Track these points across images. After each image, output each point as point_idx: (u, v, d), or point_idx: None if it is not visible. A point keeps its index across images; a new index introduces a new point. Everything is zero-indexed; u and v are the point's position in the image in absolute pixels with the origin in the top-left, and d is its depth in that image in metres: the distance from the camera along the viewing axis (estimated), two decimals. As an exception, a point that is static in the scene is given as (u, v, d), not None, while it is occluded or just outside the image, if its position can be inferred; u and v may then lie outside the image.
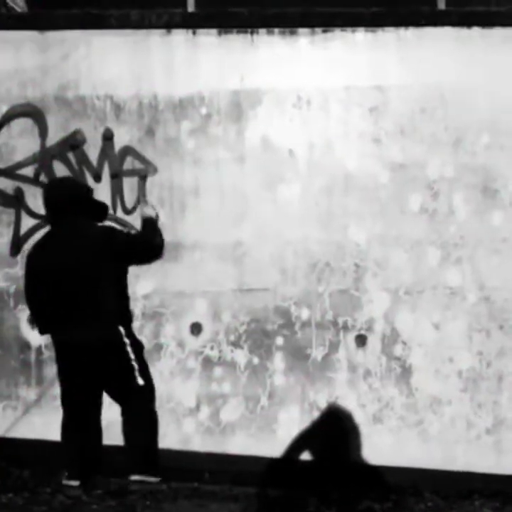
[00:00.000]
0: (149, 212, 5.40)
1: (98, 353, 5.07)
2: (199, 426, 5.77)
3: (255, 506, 5.34)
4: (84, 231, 5.14)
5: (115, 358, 5.09)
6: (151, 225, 5.36)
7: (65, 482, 5.24)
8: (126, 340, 5.10)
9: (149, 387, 5.20)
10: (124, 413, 5.16)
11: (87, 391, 5.19)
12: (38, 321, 5.25)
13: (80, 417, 5.21)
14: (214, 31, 5.69)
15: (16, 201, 5.87)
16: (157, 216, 5.42)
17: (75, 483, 5.22)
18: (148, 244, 5.29)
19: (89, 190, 5.39)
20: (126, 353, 5.09)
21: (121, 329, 5.10)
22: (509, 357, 5.62)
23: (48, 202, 5.22)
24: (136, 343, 5.18)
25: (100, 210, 5.38)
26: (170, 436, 5.59)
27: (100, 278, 5.05)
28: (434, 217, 5.67)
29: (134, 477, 5.10)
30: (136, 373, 5.11)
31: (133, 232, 5.47)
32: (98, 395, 5.23)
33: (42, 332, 5.27)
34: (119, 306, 5.14)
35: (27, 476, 5.66)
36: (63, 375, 5.23)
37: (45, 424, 5.77)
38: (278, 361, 5.74)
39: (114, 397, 5.19)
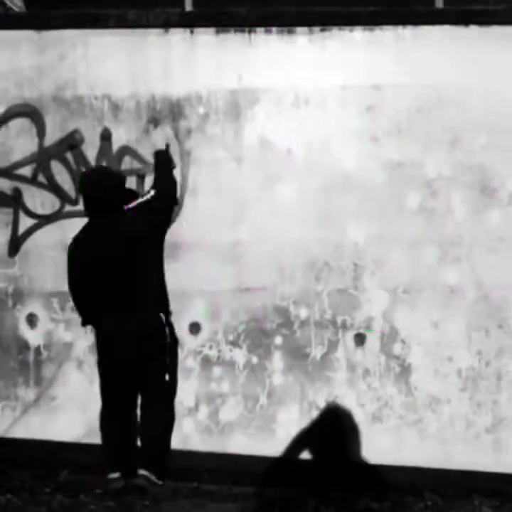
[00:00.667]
0: (158, 143, 5.31)
1: (140, 342, 5.06)
2: (198, 425, 5.76)
3: (254, 506, 5.34)
4: (121, 218, 5.13)
5: (153, 347, 5.07)
6: (163, 162, 5.26)
7: (109, 477, 5.24)
8: (166, 330, 5.09)
9: (173, 386, 5.17)
10: (143, 407, 5.15)
11: (127, 382, 5.17)
12: (81, 312, 5.24)
13: (119, 408, 5.20)
14: (212, 30, 5.68)
15: (14, 201, 5.88)
16: (168, 146, 5.29)
17: (116, 475, 5.21)
18: (163, 191, 5.23)
19: (124, 179, 5.35)
20: (164, 343, 5.07)
21: (162, 317, 5.09)
22: (508, 356, 5.61)
23: (86, 194, 5.20)
24: (172, 335, 5.15)
25: (131, 197, 5.35)
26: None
27: (142, 264, 5.07)
28: (432, 216, 5.65)
29: (142, 472, 5.11)
30: (166, 368, 5.10)
31: (152, 191, 5.35)
32: (137, 386, 5.21)
33: (85, 323, 5.25)
34: (160, 292, 5.14)
35: (26, 477, 5.66)
36: (106, 366, 5.19)
37: (43, 424, 5.79)
38: (277, 360, 5.74)
39: (140, 387, 5.18)
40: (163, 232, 5.32)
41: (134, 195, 5.39)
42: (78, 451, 5.74)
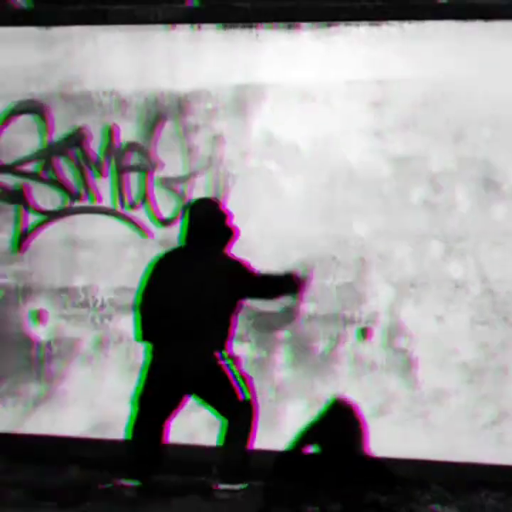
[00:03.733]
0: (299, 274, 5.50)
1: (193, 374, 5.09)
2: (205, 420, 5.76)
3: (261, 500, 5.36)
4: (213, 257, 5.15)
5: (212, 380, 5.09)
6: (288, 284, 5.46)
7: (123, 481, 5.22)
8: (223, 363, 5.09)
9: (251, 402, 5.16)
10: (225, 425, 5.16)
11: (173, 399, 5.19)
12: (142, 327, 5.21)
13: (155, 419, 5.21)
14: (218, 26, 5.71)
15: (23, 198, 5.89)
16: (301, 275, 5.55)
17: (135, 483, 5.19)
18: (265, 290, 5.38)
19: (231, 216, 5.35)
20: (224, 375, 5.08)
21: (221, 353, 5.14)
22: (513, 348, 5.66)
23: (191, 222, 5.19)
24: (234, 361, 5.16)
25: (229, 234, 5.35)
26: (177, 431, 5.58)
27: (215, 306, 5.03)
28: (437, 210, 5.68)
29: (224, 486, 5.10)
30: (237, 391, 5.09)
31: (260, 274, 5.33)
32: (180, 402, 5.24)
33: (140, 338, 5.22)
34: (226, 332, 5.14)
35: (35, 472, 5.67)
36: (152, 383, 5.19)
37: (53, 420, 5.82)
38: (284, 355, 5.76)
39: (219, 413, 5.22)
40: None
41: (231, 233, 5.34)
42: (87, 447, 5.77)
